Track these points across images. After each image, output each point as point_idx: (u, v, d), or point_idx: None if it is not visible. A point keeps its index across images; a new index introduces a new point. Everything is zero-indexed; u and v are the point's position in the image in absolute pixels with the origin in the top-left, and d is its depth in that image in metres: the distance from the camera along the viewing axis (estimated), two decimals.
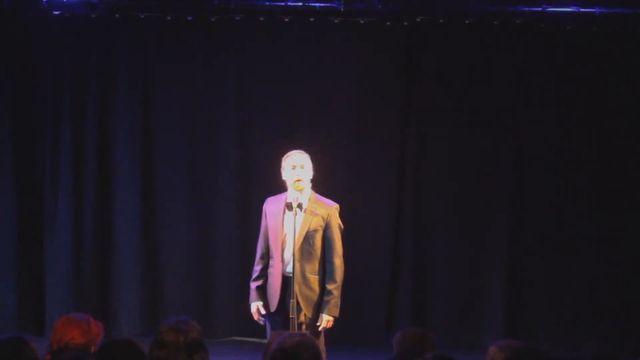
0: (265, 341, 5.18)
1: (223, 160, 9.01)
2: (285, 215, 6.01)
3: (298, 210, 5.95)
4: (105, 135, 8.94)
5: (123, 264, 8.91)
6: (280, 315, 6.02)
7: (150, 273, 8.95)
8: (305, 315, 5.97)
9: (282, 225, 6.02)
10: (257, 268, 6.17)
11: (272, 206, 6.15)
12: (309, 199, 6.03)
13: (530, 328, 8.84)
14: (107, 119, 8.94)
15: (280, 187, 6.20)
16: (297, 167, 6.00)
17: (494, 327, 8.81)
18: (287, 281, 5.97)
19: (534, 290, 8.94)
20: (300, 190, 5.98)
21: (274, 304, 6.03)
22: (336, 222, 6.08)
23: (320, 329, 5.98)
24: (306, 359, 3.33)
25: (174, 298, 8.92)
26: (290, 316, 5.83)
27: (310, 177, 6.07)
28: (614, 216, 8.90)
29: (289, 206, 5.98)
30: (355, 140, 9.02)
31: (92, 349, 4.14)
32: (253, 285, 6.16)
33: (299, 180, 5.97)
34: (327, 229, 6.03)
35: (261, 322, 6.15)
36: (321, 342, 5.95)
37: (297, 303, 5.91)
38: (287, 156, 6.08)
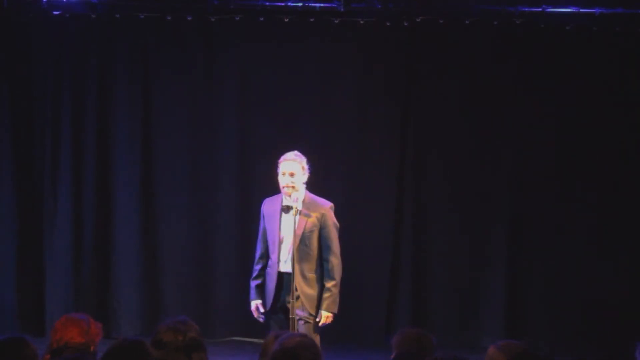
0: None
1: (222, 160, 9.01)
2: (282, 218, 6.13)
3: (292, 212, 6.02)
4: (105, 135, 8.94)
5: (123, 264, 8.92)
6: (277, 314, 6.13)
7: (150, 273, 8.96)
8: (304, 312, 6.04)
9: (279, 228, 6.14)
10: (257, 267, 6.30)
11: (268, 208, 6.28)
12: (303, 201, 6.10)
13: (530, 329, 8.84)
14: (107, 119, 8.94)
15: (279, 188, 6.22)
16: (286, 174, 6.07)
17: (493, 328, 8.81)
18: (282, 280, 6.10)
19: (534, 291, 8.94)
20: (290, 196, 6.06)
21: (269, 304, 6.16)
22: (331, 221, 6.15)
23: (320, 324, 6.09)
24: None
25: (173, 298, 8.92)
26: (290, 316, 5.91)
27: (304, 180, 6.14)
28: (614, 217, 8.90)
29: (284, 209, 6.09)
30: (355, 140, 9.02)
31: (92, 348, 4.15)
32: (252, 284, 6.30)
33: (287, 187, 6.06)
34: (322, 228, 6.12)
35: (261, 320, 6.26)
36: (317, 338, 6.03)
37: (298, 300, 5.99)
38: (281, 160, 6.16)
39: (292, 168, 6.07)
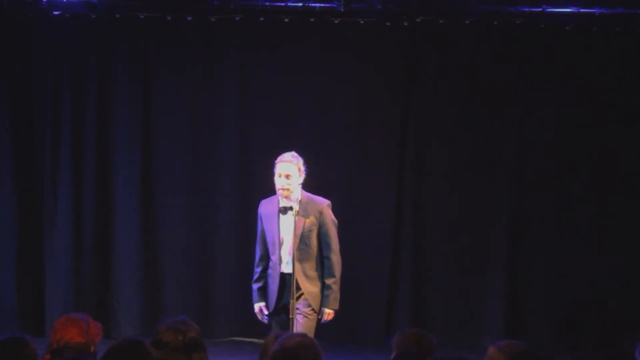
0: None
1: (222, 160, 9.01)
2: (280, 219, 6.11)
3: (290, 212, 6.01)
4: (105, 135, 8.94)
5: (123, 264, 8.91)
6: (279, 315, 6.12)
7: (150, 273, 8.95)
8: (305, 307, 6.05)
9: (278, 228, 6.13)
10: (257, 270, 6.30)
11: (266, 209, 6.26)
12: (300, 201, 6.09)
13: (530, 329, 8.83)
14: (107, 119, 8.94)
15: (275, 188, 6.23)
16: (282, 175, 6.06)
17: (493, 328, 8.81)
18: (284, 282, 6.09)
19: (534, 291, 8.94)
20: (286, 197, 6.05)
21: (271, 305, 6.15)
22: (329, 219, 6.15)
23: (322, 321, 6.13)
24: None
25: (173, 298, 8.92)
26: (290, 317, 5.91)
27: (300, 182, 6.13)
28: (614, 217, 8.90)
29: (282, 210, 6.08)
30: (355, 140, 9.02)
31: (92, 348, 4.15)
32: (255, 286, 6.30)
33: (282, 189, 6.05)
34: (321, 227, 6.13)
35: (265, 321, 6.27)
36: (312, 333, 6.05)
37: (301, 297, 6.02)
38: (278, 160, 6.14)
39: (288, 170, 6.05)
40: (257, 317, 6.33)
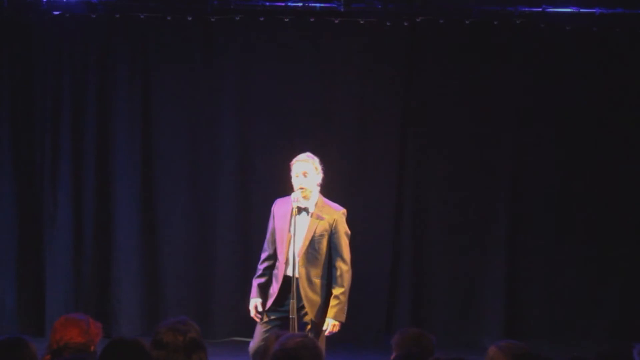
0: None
1: (223, 160, 9.00)
2: (293, 219, 5.99)
3: (304, 214, 5.97)
4: (105, 135, 8.93)
5: (123, 263, 8.91)
6: (273, 312, 6.03)
7: (150, 273, 8.95)
8: (311, 316, 5.99)
9: (289, 229, 6.00)
10: (261, 267, 6.19)
11: (280, 208, 6.16)
12: (316, 204, 6.04)
13: (530, 329, 8.84)
14: (107, 119, 8.93)
15: (282, 188, 6.21)
16: (299, 175, 6.01)
17: (493, 328, 8.81)
18: (288, 283, 5.98)
19: (534, 291, 8.94)
20: (304, 197, 5.99)
21: (268, 303, 6.04)
22: (343, 228, 6.07)
23: (326, 333, 6.00)
24: None
25: (173, 298, 8.92)
26: (290, 316, 5.86)
27: (318, 182, 6.08)
28: (613, 217, 8.91)
29: (296, 210, 5.98)
30: (355, 140, 9.02)
31: (92, 348, 4.15)
32: (255, 282, 6.19)
33: (301, 189, 6.00)
34: (333, 234, 6.03)
35: (257, 319, 6.12)
36: (322, 344, 5.96)
37: (302, 306, 5.95)
38: (293, 161, 6.09)
39: (305, 168, 6.01)
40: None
